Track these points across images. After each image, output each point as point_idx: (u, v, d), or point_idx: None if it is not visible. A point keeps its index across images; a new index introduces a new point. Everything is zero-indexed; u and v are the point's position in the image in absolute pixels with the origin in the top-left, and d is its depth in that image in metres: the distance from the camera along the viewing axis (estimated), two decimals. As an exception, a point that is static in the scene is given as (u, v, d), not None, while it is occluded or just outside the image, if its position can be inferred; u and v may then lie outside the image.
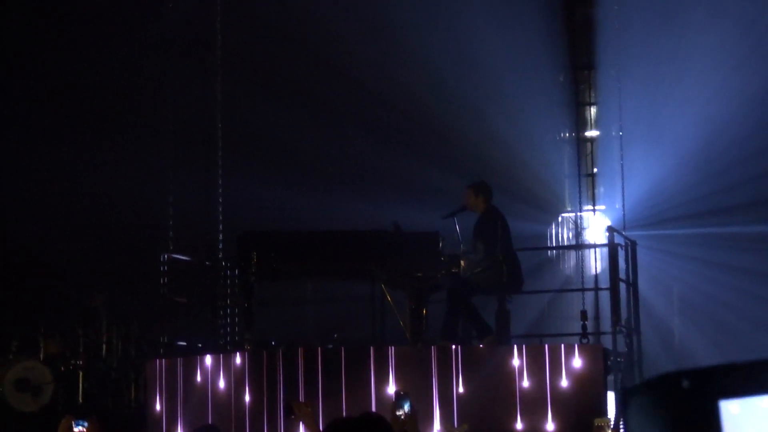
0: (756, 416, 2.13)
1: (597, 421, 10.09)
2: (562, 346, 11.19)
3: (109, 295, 14.29)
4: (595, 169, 18.23)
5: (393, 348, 11.14)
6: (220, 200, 15.72)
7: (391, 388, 10.80)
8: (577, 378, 10.98)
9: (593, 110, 18.43)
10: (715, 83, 16.57)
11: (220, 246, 15.48)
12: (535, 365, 11.02)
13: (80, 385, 13.76)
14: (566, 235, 18.44)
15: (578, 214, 18.07)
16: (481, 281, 11.89)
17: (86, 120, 16.19)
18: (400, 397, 6.85)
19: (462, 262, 11.71)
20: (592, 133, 18.45)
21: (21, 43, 16.07)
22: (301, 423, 10.04)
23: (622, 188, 16.98)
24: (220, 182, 15.77)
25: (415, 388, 10.48)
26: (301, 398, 10.61)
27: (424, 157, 17.31)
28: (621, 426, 10.02)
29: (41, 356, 13.86)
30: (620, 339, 12.42)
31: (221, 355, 11.62)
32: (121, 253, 15.63)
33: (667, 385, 2.13)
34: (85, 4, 16.29)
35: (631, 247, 13.05)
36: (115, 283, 14.83)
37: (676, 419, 2.12)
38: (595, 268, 16.99)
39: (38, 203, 15.71)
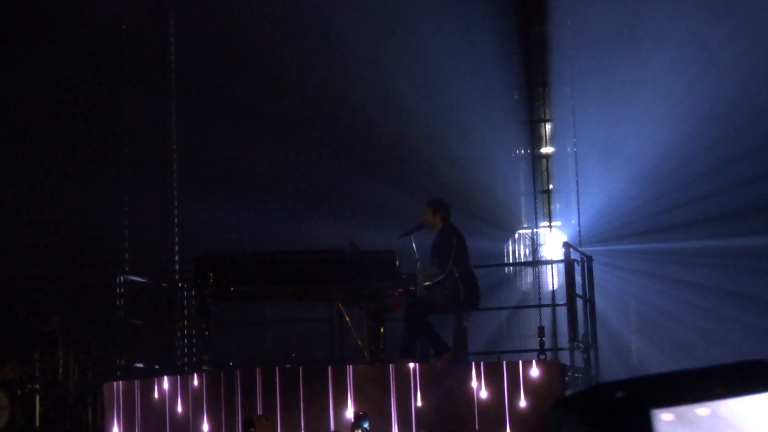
0: (688, 425, 2.16)
1: None
2: (520, 362, 11.23)
3: (65, 318, 14.21)
4: (551, 186, 18.32)
5: (351, 367, 11.15)
6: (176, 221, 15.67)
7: (350, 408, 10.81)
8: (535, 394, 11.02)
9: (548, 127, 18.53)
10: (669, 101, 16.71)
11: (177, 267, 15.42)
12: (493, 382, 11.05)
13: (37, 409, 13.67)
14: (523, 252, 18.50)
15: (534, 230, 18.14)
16: (439, 299, 11.90)
17: (39, 143, 16.12)
18: (358, 418, 6.88)
19: (419, 276, 11.74)
20: (547, 149, 18.54)
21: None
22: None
23: (578, 204, 17.06)
24: (175, 203, 15.72)
25: (373, 407, 10.50)
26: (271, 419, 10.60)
27: (380, 176, 17.33)
28: None
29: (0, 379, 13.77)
30: (578, 354, 12.47)
31: (179, 377, 11.59)
32: (77, 275, 15.54)
33: (600, 396, 2.17)
34: (36, 25, 16.22)
35: (588, 262, 13.11)
36: (71, 306, 14.74)
37: (609, 429, 2.14)
38: (552, 284, 17.07)
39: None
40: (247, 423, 7.62)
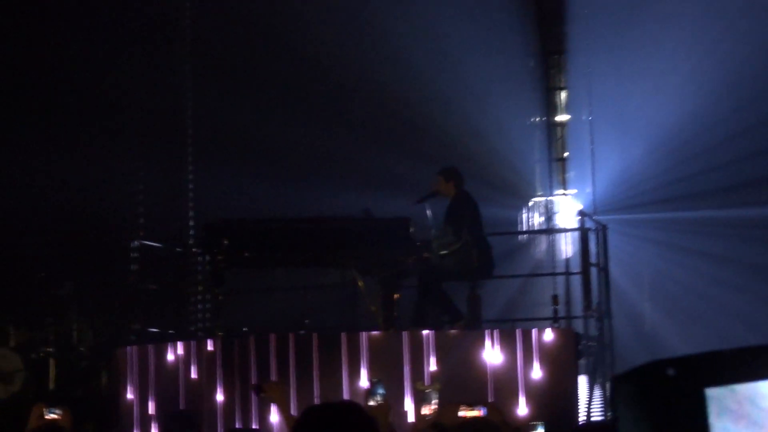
0: (741, 404, 2.13)
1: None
2: (534, 330, 11.20)
3: (78, 282, 14.23)
4: (566, 154, 18.26)
5: (365, 334, 11.14)
6: (191, 187, 15.67)
7: (363, 375, 10.81)
8: (548, 362, 10.99)
9: (563, 95, 18.44)
10: (686, 68, 16.63)
11: (191, 233, 15.44)
12: (507, 350, 11.03)
13: (51, 373, 13.71)
14: (537, 220, 18.47)
15: (549, 198, 18.10)
16: (452, 267, 11.87)
17: (54, 111, 16.10)
18: (373, 385, 6.85)
19: (433, 244, 11.71)
20: (562, 117, 18.47)
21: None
22: (273, 405, 10.06)
23: (593, 172, 17.04)
24: (190, 169, 15.72)
25: (387, 374, 10.48)
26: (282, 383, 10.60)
27: (394, 144, 17.27)
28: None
29: (12, 344, 13.81)
30: (591, 323, 12.46)
31: (193, 342, 11.60)
32: (91, 240, 15.56)
33: (654, 373, 2.13)
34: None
35: (602, 231, 13.07)
36: (85, 271, 14.77)
37: (662, 407, 2.12)
38: (566, 252, 17.04)
39: (4, 194, 15.61)
40: (258, 389, 7.59)
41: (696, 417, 2.11)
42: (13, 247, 15.19)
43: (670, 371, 2.12)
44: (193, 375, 11.31)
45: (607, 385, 11.95)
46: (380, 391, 6.88)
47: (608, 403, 10.36)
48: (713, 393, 2.12)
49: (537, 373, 10.97)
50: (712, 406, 2.11)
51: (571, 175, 18.24)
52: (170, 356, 11.55)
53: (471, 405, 5.77)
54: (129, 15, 16.19)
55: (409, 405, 10.75)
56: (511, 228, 17.78)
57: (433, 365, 10.96)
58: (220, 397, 11.10)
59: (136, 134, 16.09)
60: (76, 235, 15.69)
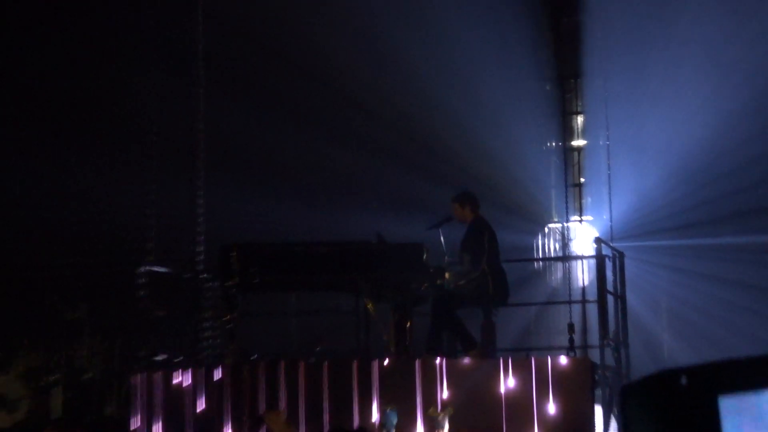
0: (755, 412, 2.12)
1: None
2: (549, 359, 11.02)
3: (91, 306, 14.12)
4: (582, 179, 18.14)
5: (377, 361, 10.98)
6: (201, 211, 15.58)
7: (375, 404, 10.65)
8: (564, 392, 10.81)
9: (580, 119, 18.33)
10: (702, 94, 16.51)
11: (201, 257, 15.34)
12: (521, 379, 10.85)
13: (59, 399, 13.58)
14: (553, 246, 18.34)
15: (565, 224, 17.96)
16: (467, 293, 11.72)
17: (67, 132, 16.02)
18: (385, 414, 6.68)
19: (447, 274, 11.55)
20: (579, 142, 18.35)
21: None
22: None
23: (609, 198, 16.90)
24: (201, 193, 15.62)
25: (399, 402, 10.33)
26: (283, 412, 10.46)
27: (409, 168, 17.18)
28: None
29: (21, 369, 13.67)
30: (608, 352, 12.28)
31: (202, 369, 11.46)
32: (103, 264, 15.46)
33: (666, 382, 2.12)
34: (66, 13, 16.12)
35: (619, 258, 12.91)
36: (97, 295, 14.67)
37: (675, 416, 2.11)
38: (583, 279, 16.87)
39: (18, 215, 15.54)
40: (257, 422, 7.43)
41: (709, 426, 2.10)
42: (25, 270, 15.08)
43: (683, 380, 2.11)
44: (202, 403, 11.17)
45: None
46: (393, 420, 6.71)
47: (607, 416, 10.19)
48: (727, 401, 2.11)
49: (552, 403, 10.78)
50: (725, 415, 2.11)
51: (587, 200, 18.13)
52: (179, 383, 11.41)
53: None
54: (143, 35, 16.12)
55: (420, 433, 10.60)
56: (527, 254, 17.65)
57: (445, 394, 10.79)
58: (229, 424, 10.94)
59: (148, 156, 15.98)
60: (88, 258, 15.59)
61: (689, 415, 2.10)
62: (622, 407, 2.21)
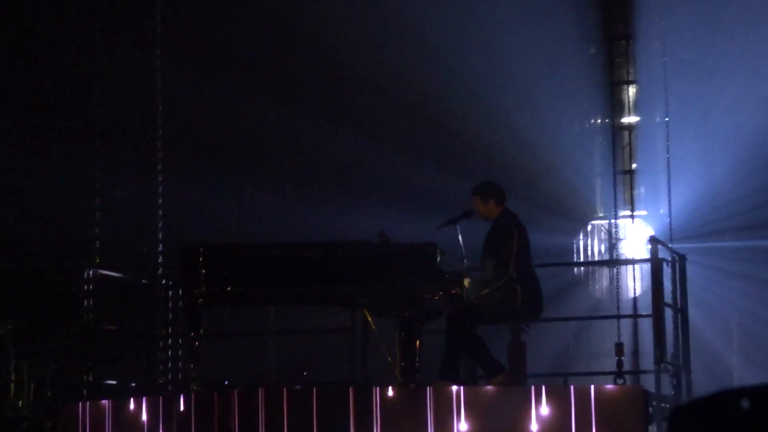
0: None
1: None
2: (592, 387, 11.08)
3: (17, 323, 14.22)
4: (634, 165, 18.25)
5: (378, 389, 11.05)
6: (160, 203, 15.69)
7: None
8: (610, 427, 10.88)
9: (632, 91, 18.43)
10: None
11: (160, 260, 15.44)
12: (558, 411, 10.92)
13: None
14: (597, 248, 18.44)
15: (613, 221, 18.05)
16: (490, 306, 11.78)
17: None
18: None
19: (466, 282, 11.61)
20: (630, 119, 18.47)
21: None
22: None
23: (668, 189, 17.00)
24: (160, 179, 15.73)
25: (405, 440, 10.41)
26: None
27: (419, 153, 17.29)
28: None
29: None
30: (665, 379, 12.36)
31: (160, 398, 11.53)
32: (35, 270, 15.55)
33: (724, 405, 2.17)
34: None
35: (680, 263, 13.00)
36: (27, 309, 14.76)
37: None
38: (634, 289, 16.96)
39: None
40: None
41: None
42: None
43: (745, 403, 2.18)
44: (161, 440, 11.27)
45: None
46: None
47: None
48: None
49: (596, 441, 10.86)
50: None
51: (640, 191, 18.23)
52: (132, 416, 11.48)
53: None
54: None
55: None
56: (565, 258, 17.75)
57: (464, 429, 10.86)
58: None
59: (94, 140, 16.08)
60: (17, 263, 15.68)
61: None
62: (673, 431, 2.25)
